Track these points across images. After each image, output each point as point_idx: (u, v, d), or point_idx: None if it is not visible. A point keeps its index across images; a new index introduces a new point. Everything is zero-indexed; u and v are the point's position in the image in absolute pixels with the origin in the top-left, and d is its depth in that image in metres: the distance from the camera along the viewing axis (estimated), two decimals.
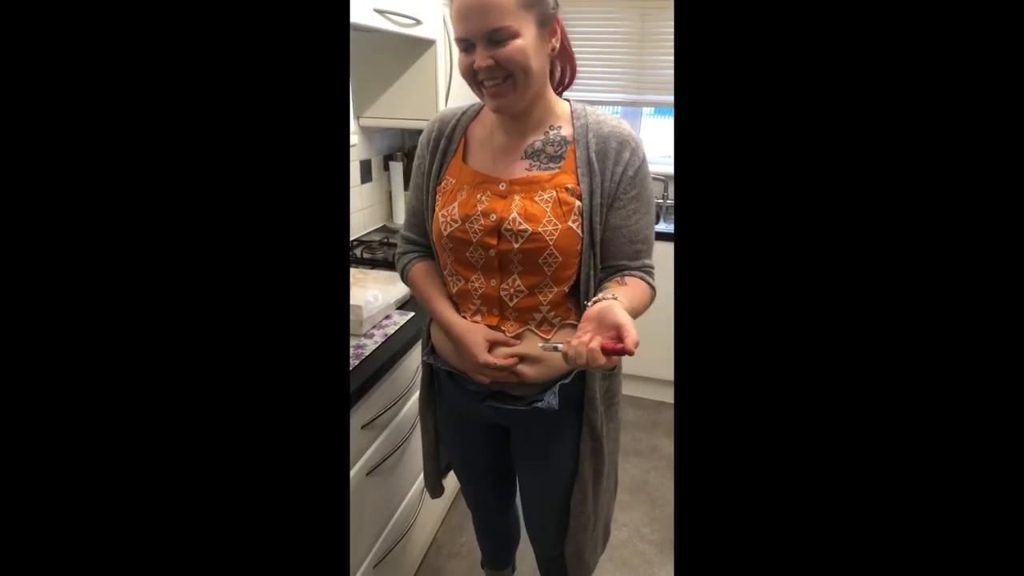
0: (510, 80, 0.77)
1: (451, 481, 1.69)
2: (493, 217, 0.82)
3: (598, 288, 0.85)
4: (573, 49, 0.86)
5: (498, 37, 0.74)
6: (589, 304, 0.76)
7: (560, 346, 0.75)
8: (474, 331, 0.88)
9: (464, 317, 0.90)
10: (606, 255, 0.85)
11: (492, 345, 0.87)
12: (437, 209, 0.88)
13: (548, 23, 0.77)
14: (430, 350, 1.00)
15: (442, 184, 0.89)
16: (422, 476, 1.40)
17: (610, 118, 0.85)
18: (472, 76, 0.78)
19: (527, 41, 0.75)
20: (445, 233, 0.86)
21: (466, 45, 0.77)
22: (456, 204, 0.85)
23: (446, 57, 1.66)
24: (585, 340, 0.70)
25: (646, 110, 2.51)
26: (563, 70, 0.87)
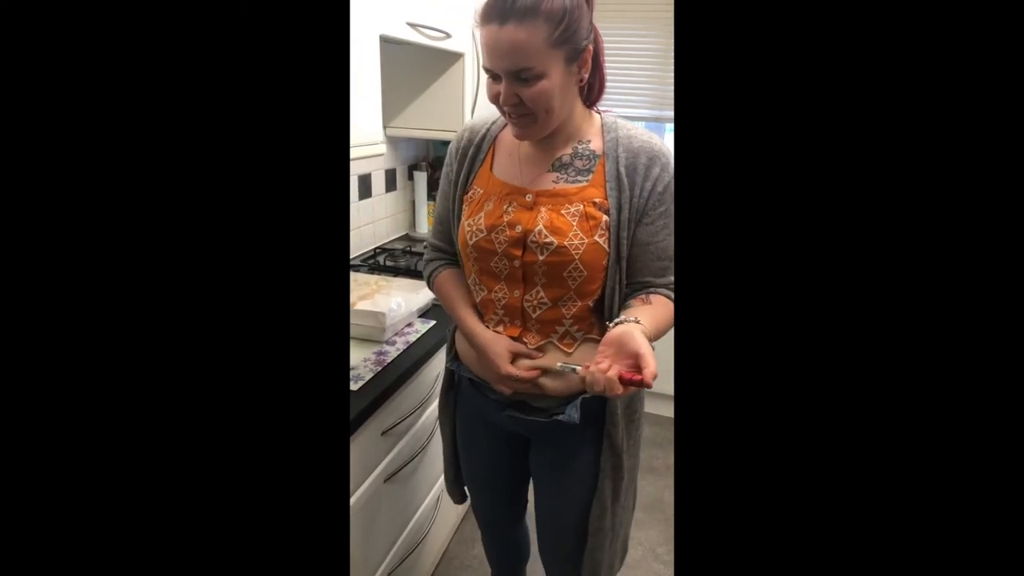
0: (532, 115, 0.77)
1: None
2: (519, 228, 0.82)
3: (623, 304, 0.85)
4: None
5: (524, 76, 0.73)
6: (611, 325, 0.75)
7: (579, 368, 0.75)
8: (497, 342, 0.88)
9: (487, 327, 0.90)
10: (632, 271, 0.84)
11: (515, 356, 0.87)
12: (463, 218, 0.88)
13: (577, 57, 0.76)
14: (453, 356, 1.00)
15: (469, 193, 0.90)
16: (438, 485, 1.41)
17: (641, 132, 0.83)
18: (497, 103, 0.79)
19: (553, 82, 0.74)
20: (471, 243, 0.86)
21: (493, 75, 0.77)
22: (482, 214, 0.85)
23: (474, 70, 1.68)
24: (603, 368, 0.70)
25: (669, 126, 2.51)
26: (592, 86, 0.84)
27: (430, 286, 1.00)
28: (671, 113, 2.40)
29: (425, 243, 1.03)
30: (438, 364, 1.28)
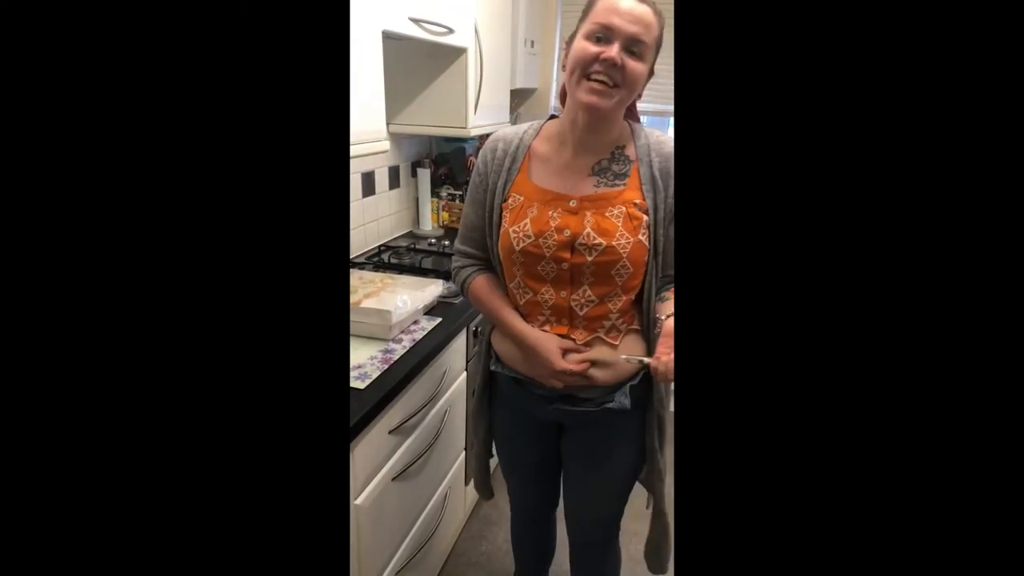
0: (616, 89, 0.82)
1: (471, 491, 1.68)
2: (567, 232, 0.86)
3: (656, 294, 0.93)
4: None
5: (635, 49, 0.80)
6: (664, 318, 0.87)
7: (647, 360, 0.86)
8: (548, 340, 0.92)
9: (534, 327, 0.94)
10: (665, 264, 0.92)
11: (565, 352, 0.92)
12: (506, 225, 0.91)
13: (652, 68, 0.86)
14: (495, 359, 1.04)
15: (508, 201, 0.92)
16: (445, 482, 1.41)
17: (668, 138, 0.91)
18: (586, 65, 0.81)
19: (644, 70, 0.83)
20: (518, 248, 0.89)
21: (604, 37, 0.80)
22: (528, 220, 0.89)
23: (476, 65, 1.67)
24: (672, 357, 0.81)
25: (672, 119, 2.50)
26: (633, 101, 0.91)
27: (464, 293, 1.03)
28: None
29: (453, 251, 1.05)
30: (445, 362, 1.27)
